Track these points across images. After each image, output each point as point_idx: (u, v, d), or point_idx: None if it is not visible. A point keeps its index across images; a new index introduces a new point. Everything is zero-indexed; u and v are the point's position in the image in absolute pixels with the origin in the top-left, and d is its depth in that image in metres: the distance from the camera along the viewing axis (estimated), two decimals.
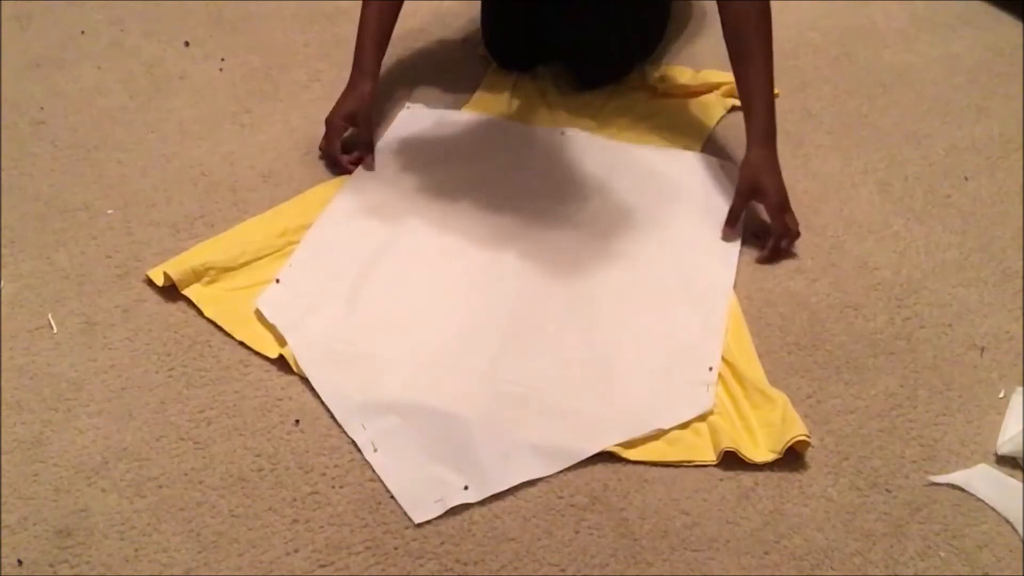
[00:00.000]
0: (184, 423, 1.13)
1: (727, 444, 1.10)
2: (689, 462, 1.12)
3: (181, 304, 1.27)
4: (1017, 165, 1.57)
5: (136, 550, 1.01)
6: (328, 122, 1.47)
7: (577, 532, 1.05)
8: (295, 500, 1.06)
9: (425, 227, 1.38)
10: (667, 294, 1.31)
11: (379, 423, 1.12)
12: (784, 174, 1.38)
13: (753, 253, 1.38)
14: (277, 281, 1.28)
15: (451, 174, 1.48)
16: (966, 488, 1.10)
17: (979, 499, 1.09)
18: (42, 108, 1.60)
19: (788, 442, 1.10)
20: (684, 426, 1.14)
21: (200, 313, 1.25)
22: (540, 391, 1.17)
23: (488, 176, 1.47)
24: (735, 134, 1.58)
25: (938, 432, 1.17)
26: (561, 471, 1.10)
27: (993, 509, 1.09)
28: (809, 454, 1.13)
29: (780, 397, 1.15)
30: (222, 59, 1.73)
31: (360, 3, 1.49)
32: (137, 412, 1.14)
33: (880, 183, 1.53)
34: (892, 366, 1.24)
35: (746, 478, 1.10)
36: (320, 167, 1.49)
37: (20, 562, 1.00)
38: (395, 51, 1.52)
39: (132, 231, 1.38)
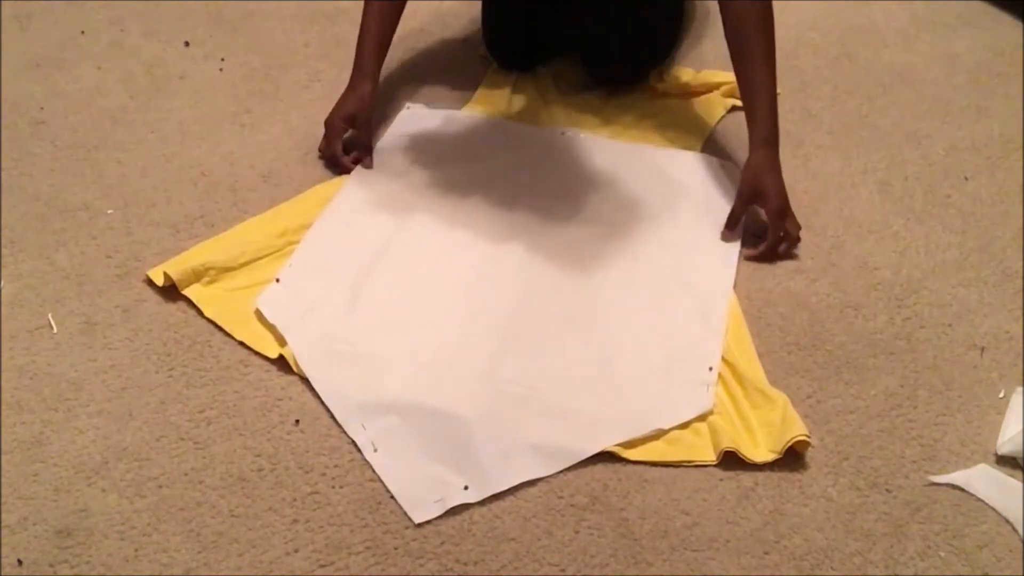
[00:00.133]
0: (184, 423, 1.13)
1: (727, 444, 1.10)
2: (689, 462, 1.12)
3: (181, 304, 1.27)
4: (1017, 165, 1.57)
5: (136, 550, 1.01)
6: (327, 124, 1.47)
7: (577, 532, 1.05)
8: (295, 500, 1.06)
9: (425, 227, 1.38)
10: (667, 294, 1.31)
11: (379, 423, 1.12)
12: (784, 174, 1.38)
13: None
14: (277, 281, 1.28)
15: (451, 174, 1.48)
16: (966, 488, 1.10)
17: (979, 499, 1.09)
18: (42, 108, 1.60)
19: (788, 442, 1.10)
20: (684, 426, 1.14)
21: (200, 313, 1.25)
22: (540, 391, 1.17)
23: (488, 176, 1.47)
24: (736, 134, 1.58)
25: (938, 432, 1.17)
26: (561, 471, 1.10)
27: (993, 509, 1.09)
28: (809, 454, 1.13)
29: (780, 397, 1.15)
30: (222, 59, 1.73)
31: (360, 3, 1.49)
32: (137, 412, 1.14)
33: (880, 183, 1.53)
34: (892, 366, 1.24)
35: (746, 478, 1.10)
36: (320, 167, 1.49)
37: (20, 562, 1.00)
38: (396, 51, 1.52)
39: (132, 231, 1.38)
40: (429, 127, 1.58)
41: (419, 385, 1.16)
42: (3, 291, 1.28)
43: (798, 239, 1.37)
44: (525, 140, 1.57)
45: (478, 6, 1.73)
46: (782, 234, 1.37)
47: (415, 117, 1.60)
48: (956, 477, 1.11)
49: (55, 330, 1.23)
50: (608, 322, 1.26)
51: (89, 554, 1.01)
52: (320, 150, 1.49)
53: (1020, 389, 1.21)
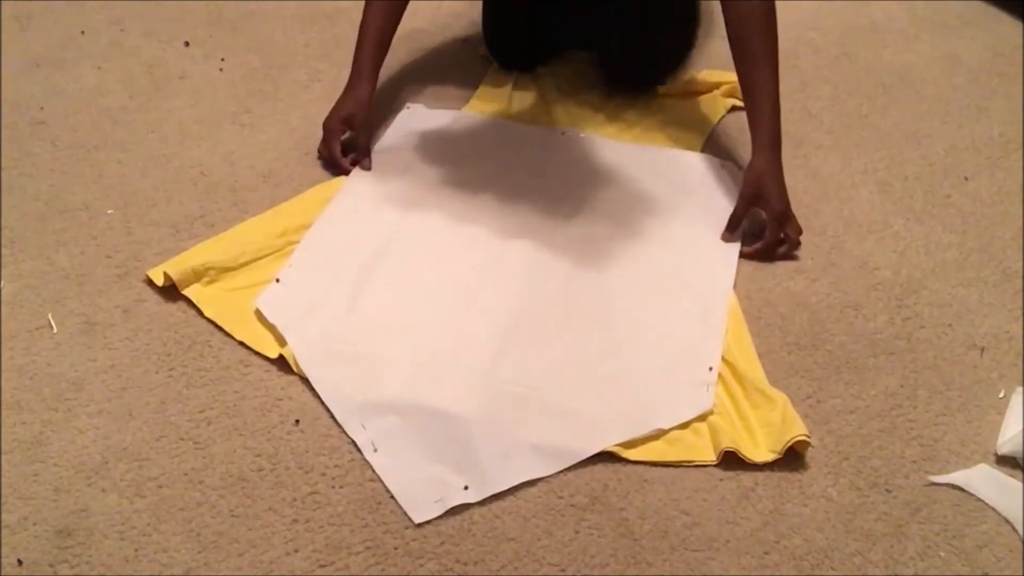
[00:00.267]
0: (184, 423, 1.13)
1: (727, 444, 1.10)
2: (689, 462, 1.12)
3: (181, 304, 1.27)
4: (1017, 165, 1.57)
5: (136, 550, 1.01)
6: (325, 126, 1.47)
7: (577, 532, 1.05)
8: (295, 500, 1.06)
9: (425, 227, 1.38)
10: (667, 294, 1.31)
11: (379, 423, 1.12)
12: (784, 174, 1.38)
13: None
14: (277, 281, 1.28)
15: (451, 174, 1.48)
16: (966, 488, 1.10)
17: (979, 499, 1.09)
18: (42, 108, 1.60)
19: (788, 442, 1.10)
20: (684, 426, 1.14)
21: (200, 313, 1.25)
22: (540, 391, 1.17)
23: (488, 176, 1.47)
24: (736, 134, 1.58)
25: (938, 432, 1.17)
26: (561, 471, 1.10)
27: (993, 509, 1.09)
28: (809, 454, 1.13)
29: (780, 397, 1.15)
30: (222, 59, 1.73)
31: (360, 3, 1.49)
32: (137, 412, 1.14)
33: (880, 183, 1.53)
34: (892, 366, 1.24)
35: (746, 478, 1.10)
36: (320, 167, 1.49)
37: (20, 562, 1.00)
38: (396, 51, 1.52)
39: (132, 231, 1.38)
40: (429, 127, 1.58)
41: (419, 385, 1.16)
42: (3, 291, 1.28)
43: (798, 243, 1.37)
44: (525, 140, 1.57)
45: (478, 6, 1.73)
46: (782, 236, 1.36)
47: (415, 117, 1.60)
48: (956, 477, 1.11)
49: (55, 330, 1.23)
50: (608, 322, 1.26)
51: (89, 554, 1.01)
52: (319, 152, 1.49)
53: (1020, 389, 1.21)
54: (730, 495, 1.09)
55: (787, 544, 1.05)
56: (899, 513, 1.08)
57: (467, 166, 1.50)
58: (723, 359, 1.21)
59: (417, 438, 1.11)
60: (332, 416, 1.14)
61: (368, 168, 1.47)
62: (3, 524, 1.03)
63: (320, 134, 1.48)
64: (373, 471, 1.09)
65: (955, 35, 1.89)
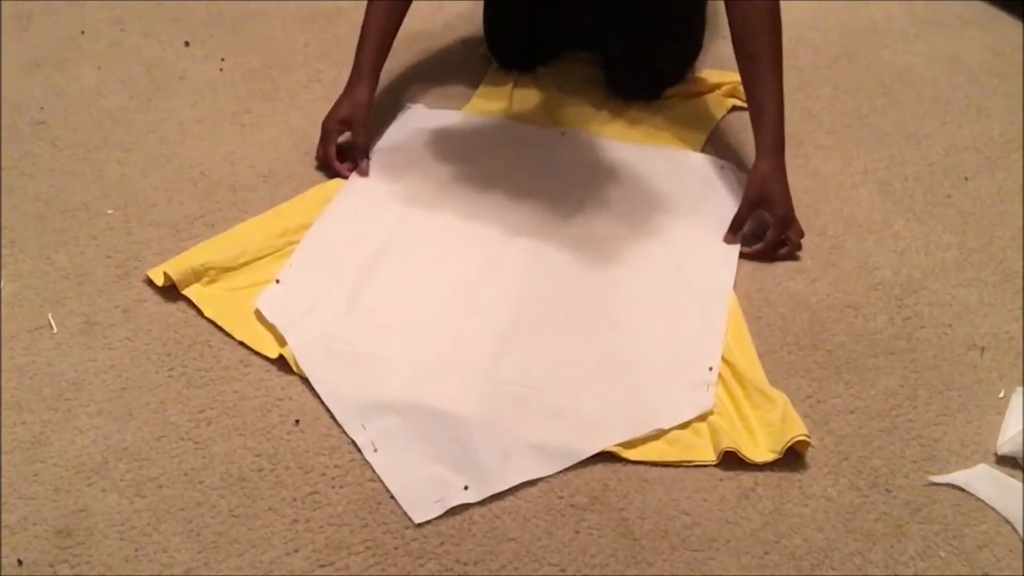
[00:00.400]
0: (184, 423, 1.13)
1: (727, 444, 1.10)
2: (689, 462, 1.12)
3: (181, 304, 1.27)
4: (1017, 165, 1.57)
5: (136, 550, 1.01)
6: (323, 127, 1.47)
7: (577, 532, 1.05)
8: (295, 500, 1.06)
9: (425, 227, 1.38)
10: (667, 294, 1.31)
11: (379, 423, 1.12)
12: None
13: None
14: (277, 281, 1.28)
15: (451, 174, 1.48)
16: (966, 488, 1.10)
17: (979, 499, 1.09)
18: (42, 108, 1.60)
19: (788, 442, 1.10)
20: (684, 426, 1.14)
21: (200, 313, 1.25)
22: (540, 391, 1.17)
23: (488, 176, 1.47)
24: (736, 134, 1.58)
25: (938, 432, 1.17)
26: (561, 471, 1.10)
27: (993, 509, 1.09)
28: (809, 454, 1.13)
29: (780, 397, 1.15)
30: (222, 59, 1.73)
31: (361, 3, 1.48)
32: (137, 412, 1.14)
33: (880, 183, 1.53)
34: (892, 366, 1.24)
35: (746, 478, 1.10)
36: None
37: (20, 562, 1.00)
38: (396, 51, 1.51)
39: (132, 231, 1.38)
40: (429, 127, 1.58)
41: (419, 385, 1.16)
42: (3, 291, 1.28)
43: (799, 247, 1.37)
44: (525, 140, 1.57)
45: (478, 6, 1.73)
46: (783, 238, 1.36)
47: (415, 117, 1.60)
48: (956, 477, 1.11)
49: (55, 330, 1.23)
50: (608, 322, 1.26)
51: (89, 554, 1.01)
52: (317, 153, 1.49)
53: (1020, 389, 1.21)
54: (730, 495, 1.09)
55: (787, 544, 1.05)
56: (899, 513, 1.08)
57: (467, 166, 1.49)
58: (723, 359, 1.21)
59: (417, 438, 1.11)
60: (332, 416, 1.14)
61: (366, 173, 1.47)
62: (3, 524, 1.03)
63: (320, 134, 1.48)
64: (373, 471, 1.09)
65: (955, 35, 1.89)
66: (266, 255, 1.32)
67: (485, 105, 1.64)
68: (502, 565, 1.02)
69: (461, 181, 1.46)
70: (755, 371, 1.20)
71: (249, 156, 1.51)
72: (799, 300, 1.32)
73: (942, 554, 1.05)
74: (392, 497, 1.06)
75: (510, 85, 1.68)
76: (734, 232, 1.38)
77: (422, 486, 1.07)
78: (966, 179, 1.54)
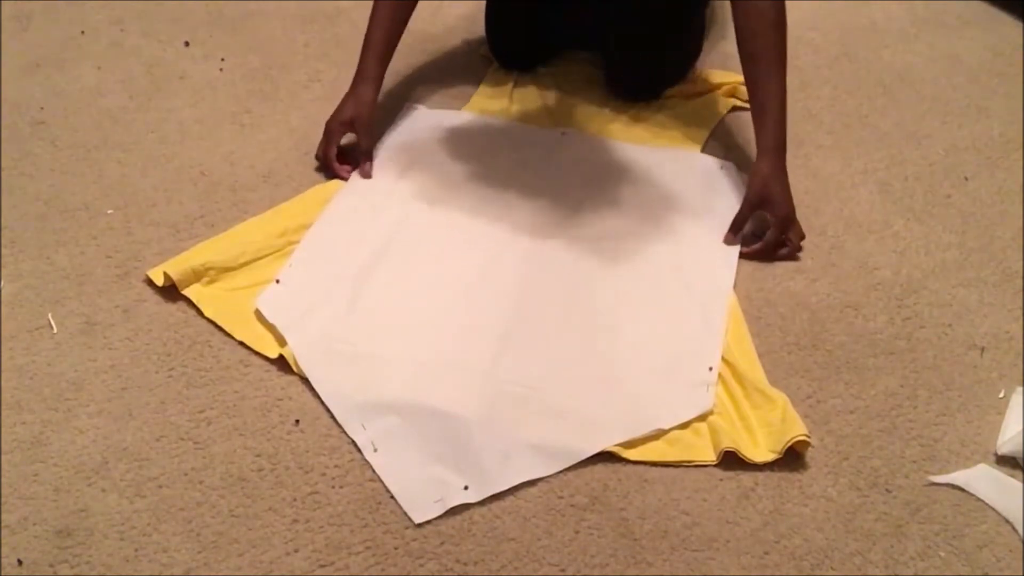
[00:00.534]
0: (184, 423, 1.13)
1: (727, 444, 1.10)
2: (689, 462, 1.12)
3: (181, 304, 1.27)
4: (1017, 165, 1.57)
5: (136, 550, 1.01)
6: (327, 127, 1.47)
7: (577, 532, 1.05)
8: (295, 500, 1.06)
9: (425, 227, 1.38)
10: (667, 294, 1.31)
11: (379, 423, 1.12)
12: None
13: None
14: (277, 281, 1.28)
15: (451, 174, 1.48)
16: (966, 488, 1.10)
17: (979, 499, 1.09)
18: (42, 108, 1.60)
19: (788, 442, 1.10)
20: (684, 426, 1.14)
21: (200, 313, 1.25)
22: (540, 391, 1.17)
23: (488, 176, 1.47)
24: (736, 134, 1.58)
25: (938, 432, 1.17)
26: (561, 471, 1.10)
27: (993, 509, 1.09)
28: (809, 454, 1.13)
29: (780, 397, 1.15)
30: (222, 59, 1.73)
31: (361, 3, 1.48)
32: (137, 412, 1.14)
33: (880, 183, 1.53)
34: (892, 366, 1.24)
35: (746, 478, 1.10)
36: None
37: (20, 562, 1.00)
38: (397, 51, 1.51)
39: (132, 231, 1.38)
40: (429, 128, 1.58)
41: (419, 385, 1.16)
42: (3, 291, 1.28)
43: (799, 248, 1.37)
44: (525, 140, 1.57)
45: (479, 6, 1.73)
46: (783, 239, 1.36)
47: (415, 118, 1.60)
48: (956, 477, 1.11)
49: (55, 330, 1.23)
50: (608, 322, 1.26)
51: (89, 554, 1.01)
52: (317, 153, 1.49)
53: (1020, 389, 1.21)
54: (730, 495, 1.09)
55: (787, 544, 1.05)
56: (899, 513, 1.08)
57: (467, 166, 1.49)
58: (723, 359, 1.21)
59: (417, 438, 1.11)
60: (332, 416, 1.14)
61: (369, 175, 1.46)
62: (3, 524, 1.03)
63: (321, 133, 1.48)
64: (373, 471, 1.09)
65: (955, 35, 1.89)
66: (266, 255, 1.32)
67: (485, 105, 1.64)
68: (502, 565, 1.02)
69: (461, 181, 1.46)
70: (755, 371, 1.20)
71: (249, 156, 1.51)
72: (799, 300, 1.32)
73: (942, 554, 1.05)
74: (392, 497, 1.06)
75: (510, 85, 1.68)
76: (734, 232, 1.38)
77: (422, 486, 1.07)
78: (966, 179, 1.54)
